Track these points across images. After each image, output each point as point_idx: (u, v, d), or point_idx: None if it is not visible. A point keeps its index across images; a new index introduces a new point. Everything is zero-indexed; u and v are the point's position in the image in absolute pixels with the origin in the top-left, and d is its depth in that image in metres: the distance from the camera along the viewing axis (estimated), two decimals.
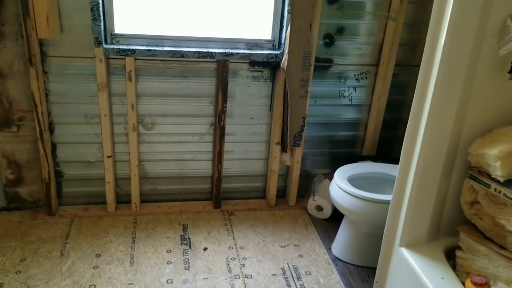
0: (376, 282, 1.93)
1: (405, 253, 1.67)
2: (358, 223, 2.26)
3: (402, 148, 1.68)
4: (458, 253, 1.60)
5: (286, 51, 2.27)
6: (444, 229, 1.79)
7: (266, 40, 2.40)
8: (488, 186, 1.42)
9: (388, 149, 2.82)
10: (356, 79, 2.59)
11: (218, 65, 2.35)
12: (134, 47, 2.22)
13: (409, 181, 1.67)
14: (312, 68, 2.38)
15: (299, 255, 2.35)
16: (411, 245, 1.69)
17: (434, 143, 1.59)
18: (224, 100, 2.40)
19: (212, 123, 2.51)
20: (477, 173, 1.48)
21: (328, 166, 2.80)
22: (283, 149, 2.53)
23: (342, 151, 2.78)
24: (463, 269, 1.57)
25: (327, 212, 2.64)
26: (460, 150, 1.64)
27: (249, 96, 2.50)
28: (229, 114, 2.48)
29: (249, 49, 2.37)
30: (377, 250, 2.20)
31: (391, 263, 1.79)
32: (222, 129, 2.47)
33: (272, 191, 2.69)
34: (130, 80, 2.28)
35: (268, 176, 2.69)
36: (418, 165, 1.61)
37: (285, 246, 2.41)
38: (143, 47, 2.24)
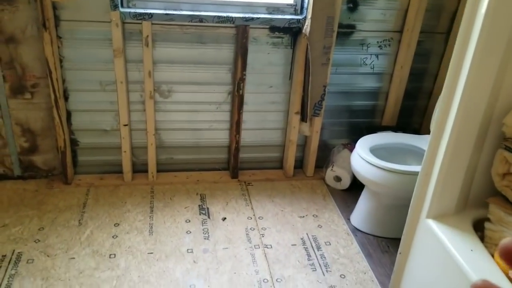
0: (400, 253, 1.90)
1: (433, 224, 1.63)
2: (379, 195, 2.22)
3: (435, 119, 1.61)
4: (487, 225, 1.56)
5: (309, 16, 2.18)
6: (472, 201, 1.74)
7: (287, 5, 2.30)
8: None
9: (408, 119, 2.75)
10: (379, 46, 2.51)
11: (237, 31, 2.27)
12: (152, 11, 2.14)
13: (440, 152, 1.61)
14: (335, 34, 2.29)
15: (318, 225, 2.33)
16: (439, 217, 1.65)
17: (468, 114, 1.53)
18: (244, 68, 2.33)
19: (230, 92, 2.44)
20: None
21: (347, 136, 2.75)
22: (303, 119, 2.47)
23: (361, 121, 2.72)
24: (492, 241, 1.54)
25: (345, 183, 2.60)
26: (493, 121, 1.58)
27: (268, 63, 2.42)
28: (247, 82, 2.41)
29: (270, 13, 2.27)
30: (397, 221, 2.18)
31: (417, 234, 1.76)
32: (241, 97, 2.40)
33: (290, 161, 2.65)
34: (147, 46, 2.20)
35: (286, 146, 2.64)
36: (452, 136, 1.55)
37: (303, 216, 2.38)
38: (161, 11, 2.15)
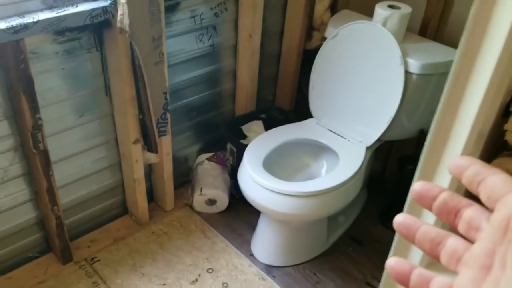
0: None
1: None
2: (289, 222, 1.66)
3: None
4: None
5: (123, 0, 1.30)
6: None
7: None
8: None
9: (268, 96, 2.17)
10: (215, 14, 1.78)
11: (4, 53, 1.24)
12: None
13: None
14: (163, 16, 1.47)
15: (223, 284, 1.67)
16: None
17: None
18: (35, 109, 1.34)
19: (16, 148, 1.44)
20: None
21: (202, 139, 2.04)
22: (150, 149, 1.66)
23: (215, 115, 2.03)
24: None
25: (222, 204, 1.95)
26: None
27: (67, 83, 1.48)
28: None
29: (51, 9, 1.29)
30: (315, 237, 1.69)
31: None
32: (45, 153, 1.43)
33: (142, 205, 1.84)
34: None
35: (130, 188, 1.80)
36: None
37: (195, 280, 1.68)
38: None
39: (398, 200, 1.91)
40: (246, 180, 1.58)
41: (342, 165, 1.60)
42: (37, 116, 1.35)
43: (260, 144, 1.68)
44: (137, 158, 1.69)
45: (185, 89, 1.85)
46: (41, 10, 1.26)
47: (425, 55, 1.59)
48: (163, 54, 1.53)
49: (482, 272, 0.28)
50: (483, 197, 0.29)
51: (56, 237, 1.60)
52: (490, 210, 0.29)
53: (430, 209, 0.32)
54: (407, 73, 1.56)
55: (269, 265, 1.74)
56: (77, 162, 1.63)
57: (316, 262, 1.77)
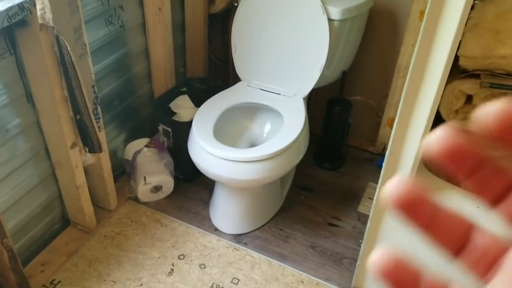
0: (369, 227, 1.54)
1: None
2: (252, 189, 1.68)
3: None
4: None
5: None
6: None
7: None
8: None
9: (182, 70, 2.09)
10: None
11: None
12: None
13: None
14: (80, 3, 1.31)
15: (200, 265, 1.65)
16: None
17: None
18: None
19: None
20: (493, 78, 1.14)
21: (127, 129, 1.92)
22: (92, 150, 1.52)
23: (135, 100, 1.92)
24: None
25: (169, 188, 1.89)
26: None
27: None
28: None
29: None
30: (275, 193, 1.76)
31: (389, 219, 1.37)
32: None
33: (89, 211, 1.70)
34: None
35: (71, 197, 1.65)
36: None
37: (171, 271, 1.64)
38: None
39: (331, 139, 2.05)
40: (202, 155, 1.54)
41: (288, 121, 1.65)
42: None
43: (203, 117, 1.65)
44: (76, 163, 1.54)
45: (102, 80, 1.70)
46: None
47: (340, 1, 1.68)
48: (85, 44, 1.38)
49: None
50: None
51: (11, 271, 1.42)
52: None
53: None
54: (328, 20, 1.64)
55: (236, 234, 1.76)
56: (8, 184, 1.43)
57: (278, 218, 1.83)
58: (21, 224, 1.53)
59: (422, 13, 1.68)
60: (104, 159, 1.68)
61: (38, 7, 1.16)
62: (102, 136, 1.61)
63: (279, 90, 1.78)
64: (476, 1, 1.19)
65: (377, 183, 1.34)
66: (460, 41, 1.13)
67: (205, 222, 1.81)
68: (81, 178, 1.59)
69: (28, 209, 1.55)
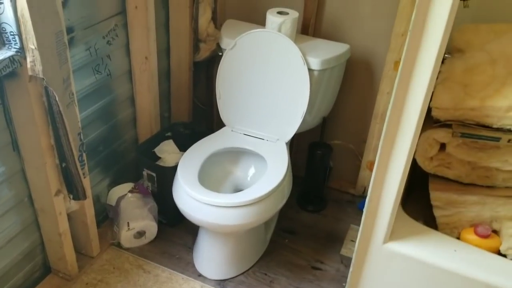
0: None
1: (395, 247, 1.33)
2: (236, 233, 1.70)
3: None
4: (437, 212, 1.38)
5: (33, 45, 1.17)
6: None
7: None
8: (496, 139, 1.18)
9: (167, 115, 2.13)
10: (108, 42, 1.70)
11: None
12: None
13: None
14: (69, 55, 1.36)
15: None
16: (399, 238, 1.34)
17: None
18: None
19: None
20: (464, 128, 1.21)
21: (111, 175, 1.93)
22: (76, 196, 1.53)
23: (120, 145, 1.94)
24: (451, 225, 1.39)
25: (152, 233, 1.89)
26: None
27: None
28: None
29: None
30: (258, 239, 1.78)
31: (372, 263, 1.40)
32: None
33: (71, 258, 1.69)
34: None
35: (53, 244, 1.64)
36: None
37: None
38: None
39: (313, 181, 2.09)
40: (186, 200, 1.56)
41: (271, 165, 1.69)
42: None
43: (188, 162, 1.68)
44: (60, 210, 1.54)
45: (87, 127, 1.73)
46: None
47: (319, 52, 1.76)
48: (73, 94, 1.42)
49: None
50: None
51: None
52: None
53: None
54: (309, 70, 1.71)
55: (221, 280, 1.76)
56: None
57: (262, 262, 1.84)
58: (1, 273, 1.51)
59: (396, 63, 1.77)
60: (88, 205, 1.68)
61: (29, 59, 1.20)
62: (86, 182, 1.62)
63: (263, 135, 1.83)
64: (446, 56, 1.27)
65: (359, 225, 1.38)
66: (432, 93, 1.20)
67: (189, 268, 1.81)
68: (64, 225, 1.59)
69: (9, 257, 1.53)
